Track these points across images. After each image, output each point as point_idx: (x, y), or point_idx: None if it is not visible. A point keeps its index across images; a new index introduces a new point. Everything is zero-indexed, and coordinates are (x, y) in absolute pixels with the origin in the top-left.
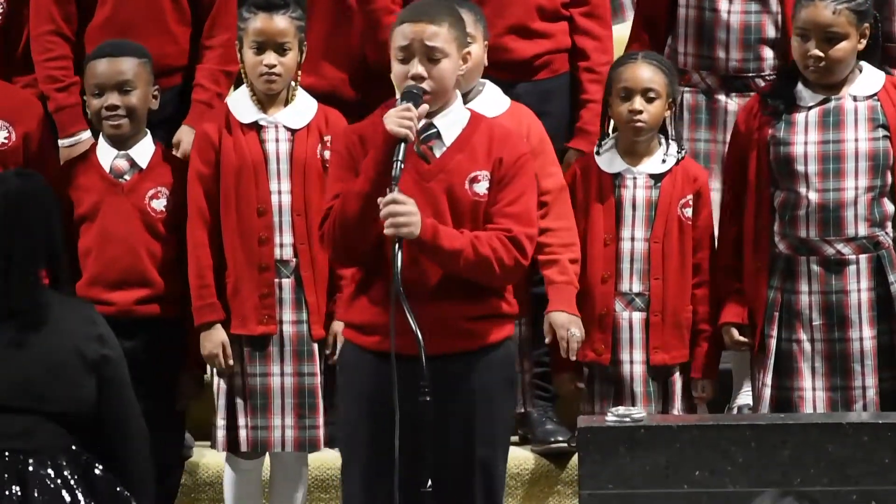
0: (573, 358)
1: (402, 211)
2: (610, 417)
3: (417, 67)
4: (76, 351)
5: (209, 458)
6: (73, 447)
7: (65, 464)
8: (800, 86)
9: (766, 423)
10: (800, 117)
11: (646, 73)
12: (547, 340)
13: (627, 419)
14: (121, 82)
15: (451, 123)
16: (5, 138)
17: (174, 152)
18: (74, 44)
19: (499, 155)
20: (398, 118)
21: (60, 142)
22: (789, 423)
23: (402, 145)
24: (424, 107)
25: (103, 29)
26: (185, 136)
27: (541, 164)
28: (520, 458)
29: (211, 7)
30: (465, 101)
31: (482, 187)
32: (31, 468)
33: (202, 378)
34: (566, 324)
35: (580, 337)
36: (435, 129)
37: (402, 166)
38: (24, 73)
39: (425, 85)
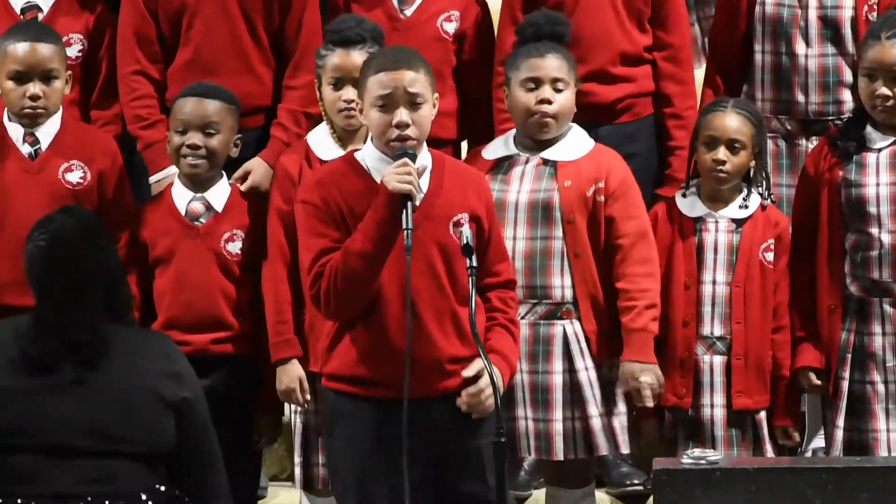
0: (649, 405)
1: (410, 171)
2: (686, 460)
3: (403, 115)
4: (151, 389)
5: (283, 498)
6: (157, 486)
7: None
8: (869, 128)
9: (842, 466)
10: (870, 159)
11: (733, 122)
12: (620, 389)
13: (703, 461)
14: (206, 124)
15: (422, 168)
16: (81, 178)
17: (239, 185)
18: (160, 83)
19: (479, 197)
20: (399, 175)
21: (150, 178)
22: (866, 467)
23: (409, 205)
24: (421, 163)
25: (187, 69)
26: (256, 169)
27: (622, 206)
28: (597, 500)
29: (294, 48)
30: (548, 146)
31: (465, 230)
32: None
33: (280, 418)
34: (637, 373)
35: (654, 384)
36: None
37: (412, 229)
38: (101, 108)
39: (410, 132)
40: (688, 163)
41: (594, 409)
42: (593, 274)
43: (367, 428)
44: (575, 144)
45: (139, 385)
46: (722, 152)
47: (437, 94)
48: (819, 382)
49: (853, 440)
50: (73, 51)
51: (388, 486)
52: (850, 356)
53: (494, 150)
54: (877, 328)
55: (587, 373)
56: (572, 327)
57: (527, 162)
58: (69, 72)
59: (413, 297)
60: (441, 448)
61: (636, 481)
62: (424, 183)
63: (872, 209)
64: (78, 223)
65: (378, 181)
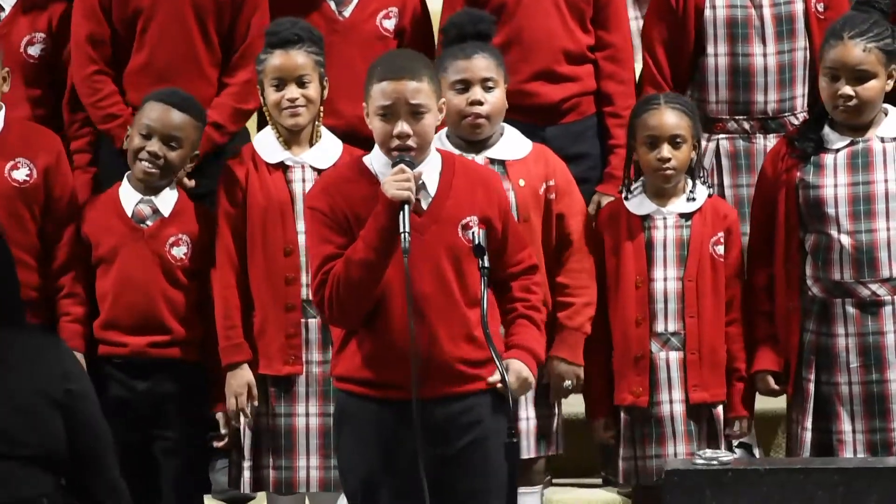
0: (557, 399)
1: (408, 178)
2: (697, 460)
3: (403, 126)
4: (41, 390)
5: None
6: (54, 492)
7: None
8: (827, 128)
9: (853, 466)
10: (828, 160)
11: (671, 118)
12: (545, 381)
13: (715, 462)
14: (170, 135)
15: (430, 171)
16: (27, 175)
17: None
18: (118, 84)
19: (490, 198)
20: (396, 182)
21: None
22: (877, 468)
23: (406, 209)
24: (419, 170)
25: (142, 73)
26: None
27: (567, 204)
28: (607, 500)
29: (238, 48)
30: (489, 146)
31: (473, 233)
32: None
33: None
34: (562, 373)
35: (571, 388)
36: (420, 181)
37: (410, 235)
38: (76, 111)
39: (411, 142)
40: (626, 163)
41: (523, 412)
42: (544, 272)
43: (375, 428)
44: (516, 143)
45: (29, 387)
46: (666, 150)
47: (443, 100)
48: (777, 387)
49: (820, 442)
50: (36, 49)
51: (393, 487)
52: (814, 358)
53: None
54: (840, 329)
55: None
56: None
57: None
58: (7, 68)
59: (420, 301)
60: (447, 449)
61: None
62: (433, 186)
63: (830, 210)
64: None
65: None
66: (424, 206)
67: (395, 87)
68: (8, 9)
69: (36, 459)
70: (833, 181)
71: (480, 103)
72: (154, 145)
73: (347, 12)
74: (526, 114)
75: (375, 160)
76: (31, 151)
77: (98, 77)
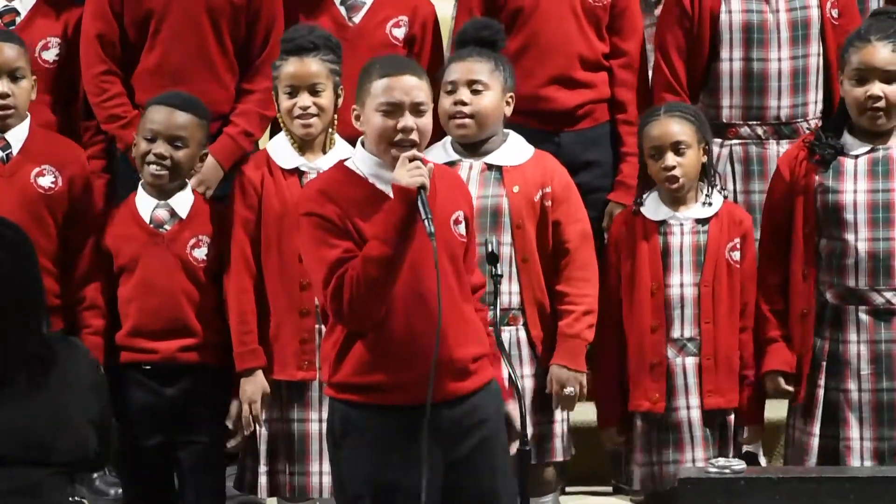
0: (565, 409)
1: (418, 165)
2: (710, 468)
3: (409, 120)
4: (75, 400)
5: None
6: (77, 499)
7: None
8: (847, 135)
9: (866, 475)
10: (848, 165)
11: (672, 127)
12: (547, 390)
13: (727, 470)
14: (174, 136)
15: (430, 165)
16: (52, 182)
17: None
18: (126, 84)
19: (465, 198)
20: (409, 171)
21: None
22: (890, 476)
23: (423, 195)
24: (429, 163)
25: (153, 74)
26: (204, 166)
27: (564, 211)
28: None
29: (259, 56)
30: (488, 151)
31: (462, 228)
32: None
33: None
34: (562, 380)
35: (574, 395)
36: (430, 169)
37: (432, 221)
38: (89, 118)
39: (414, 136)
40: (639, 171)
41: (529, 419)
42: (540, 279)
43: (380, 436)
44: (516, 150)
45: (64, 397)
46: (670, 158)
47: (431, 105)
48: (789, 388)
49: (827, 448)
50: (51, 54)
51: (404, 493)
52: (825, 363)
53: (435, 155)
54: (852, 336)
55: (525, 381)
56: (517, 334)
57: (470, 168)
58: (34, 76)
59: (426, 300)
60: (456, 453)
61: None
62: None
63: (849, 216)
64: (18, 235)
65: (377, 187)
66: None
67: (398, 83)
68: (24, 13)
69: (68, 466)
70: (853, 186)
71: (464, 104)
72: (160, 147)
73: (357, 19)
74: (541, 119)
75: (362, 163)
76: (58, 160)
77: (106, 77)
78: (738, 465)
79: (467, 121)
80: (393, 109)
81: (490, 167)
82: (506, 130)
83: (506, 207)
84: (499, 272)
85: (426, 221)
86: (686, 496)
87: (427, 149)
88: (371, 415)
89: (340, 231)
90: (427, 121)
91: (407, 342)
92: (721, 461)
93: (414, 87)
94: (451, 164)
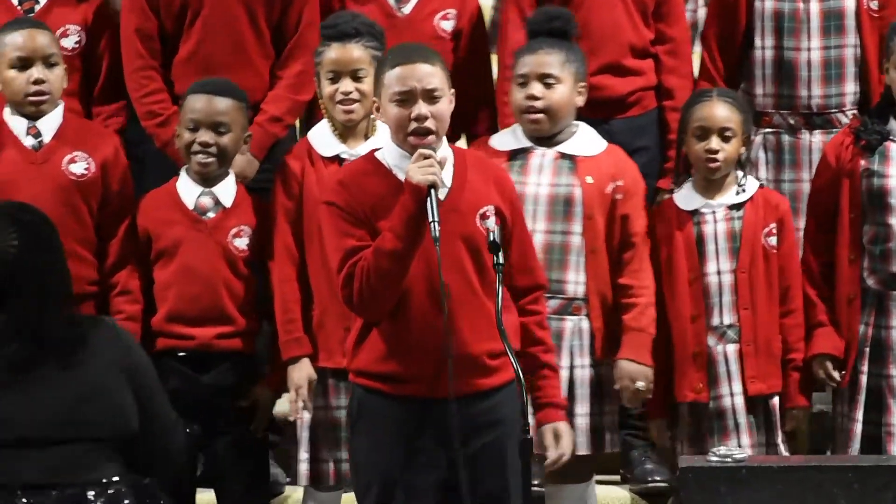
0: (633, 405)
1: (431, 162)
2: (712, 457)
3: (422, 108)
4: (108, 368)
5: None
6: (125, 473)
7: (123, 490)
8: (892, 121)
9: (868, 464)
10: (894, 150)
11: (722, 111)
12: (615, 386)
13: (729, 459)
14: (217, 122)
15: (443, 160)
16: (85, 169)
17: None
18: (166, 78)
19: (503, 193)
20: (421, 168)
21: None
22: (893, 465)
23: (434, 194)
24: (442, 154)
25: (189, 63)
26: (238, 157)
27: (633, 205)
28: (619, 497)
29: (291, 39)
30: (561, 140)
31: (491, 223)
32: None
33: (276, 396)
34: (632, 374)
35: (645, 389)
36: (444, 164)
37: (439, 220)
38: (104, 103)
39: (429, 124)
40: (676, 157)
41: (580, 408)
42: (605, 271)
43: (393, 426)
44: (590, 141)
45: (96, 370)
46: (714, 142)
47: (452, 90)
48: (835, 373)
49: (870, 434)
50: (70, 42)
51: (410, 487)
52: (868, 350)
53: (504, 141)
54: (895, 322)
55: (582, 371)
56: (580, 324)
57: (543, 156)
58: (65, 65)
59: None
60: (467, 448)
61: (658, 478)
62: (448, 177)
63: (894, 200)
64: (38, 219)
65: (401, 179)
66: (441, 196)
67: (409, 71)
68: (42, 1)
69: (106, 441)
70: None
71: (536, 98)
72: (203, 135)
73: (407, 9)
74: (592, 107)
75: (388, 154)
76: (90, 146)
77: (146, 73)
78: (740, 453)
79: (540, 116)
80: (406, 98)
81: (563, 156)
82: (577, 122)
83: (578, 197)
84: (500, 261)
85: (432, 225)
86: (688, 485)
87: (496, 134)
88: (385, 403)
89: (356, 221)
90: (442, 107)
91: (421, 335)
92: (722, 450)
93: (426, 74)
94: (523, 151)
